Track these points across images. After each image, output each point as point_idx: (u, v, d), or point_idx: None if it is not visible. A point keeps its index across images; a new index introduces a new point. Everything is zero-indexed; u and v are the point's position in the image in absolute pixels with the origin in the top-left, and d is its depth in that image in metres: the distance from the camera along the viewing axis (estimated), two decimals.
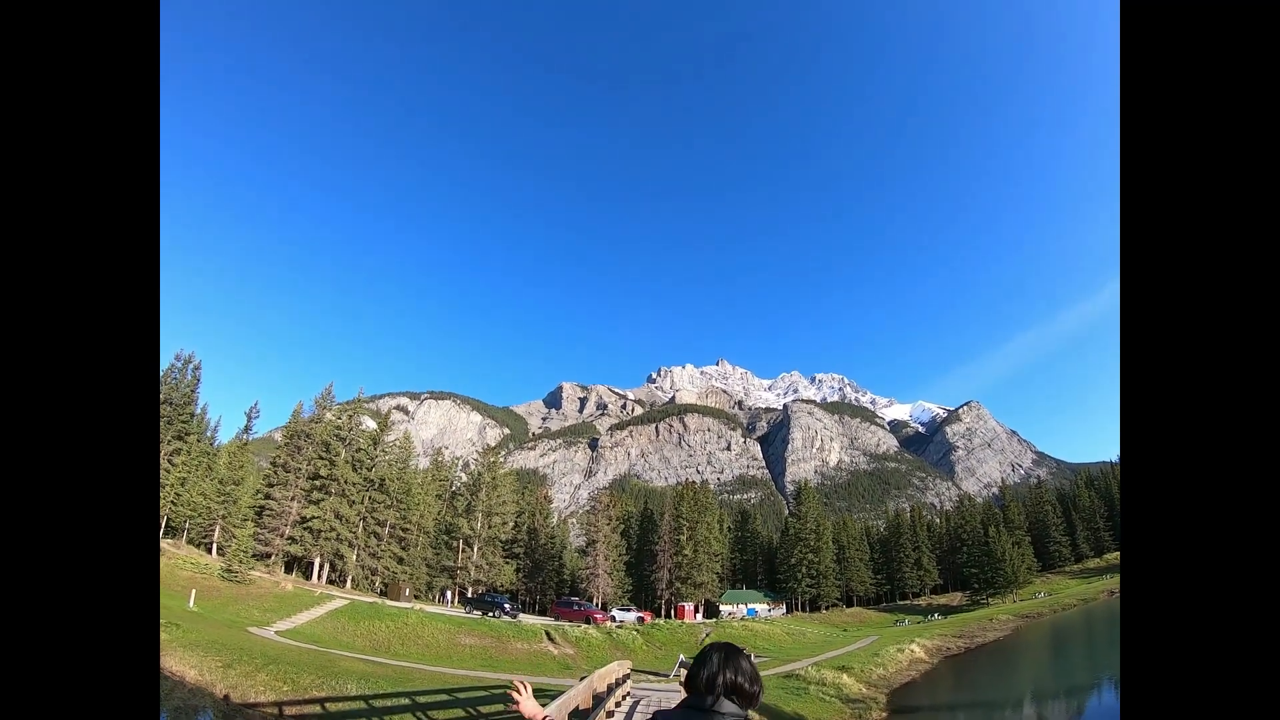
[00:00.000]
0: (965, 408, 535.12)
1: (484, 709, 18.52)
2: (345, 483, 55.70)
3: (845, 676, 29.12)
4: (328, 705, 18.96)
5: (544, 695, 20.88)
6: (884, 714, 23.32)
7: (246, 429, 69.33)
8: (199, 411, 69.79)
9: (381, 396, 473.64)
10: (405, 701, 19.05)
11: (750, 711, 2.47)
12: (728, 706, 2.37)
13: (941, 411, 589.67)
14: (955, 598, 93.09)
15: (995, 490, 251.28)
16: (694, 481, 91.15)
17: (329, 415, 61.29)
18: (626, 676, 17.45)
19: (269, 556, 53.35)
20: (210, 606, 32.77)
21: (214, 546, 55.85)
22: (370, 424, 66.56)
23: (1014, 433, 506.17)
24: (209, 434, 71.67)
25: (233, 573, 40.54)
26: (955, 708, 25.84)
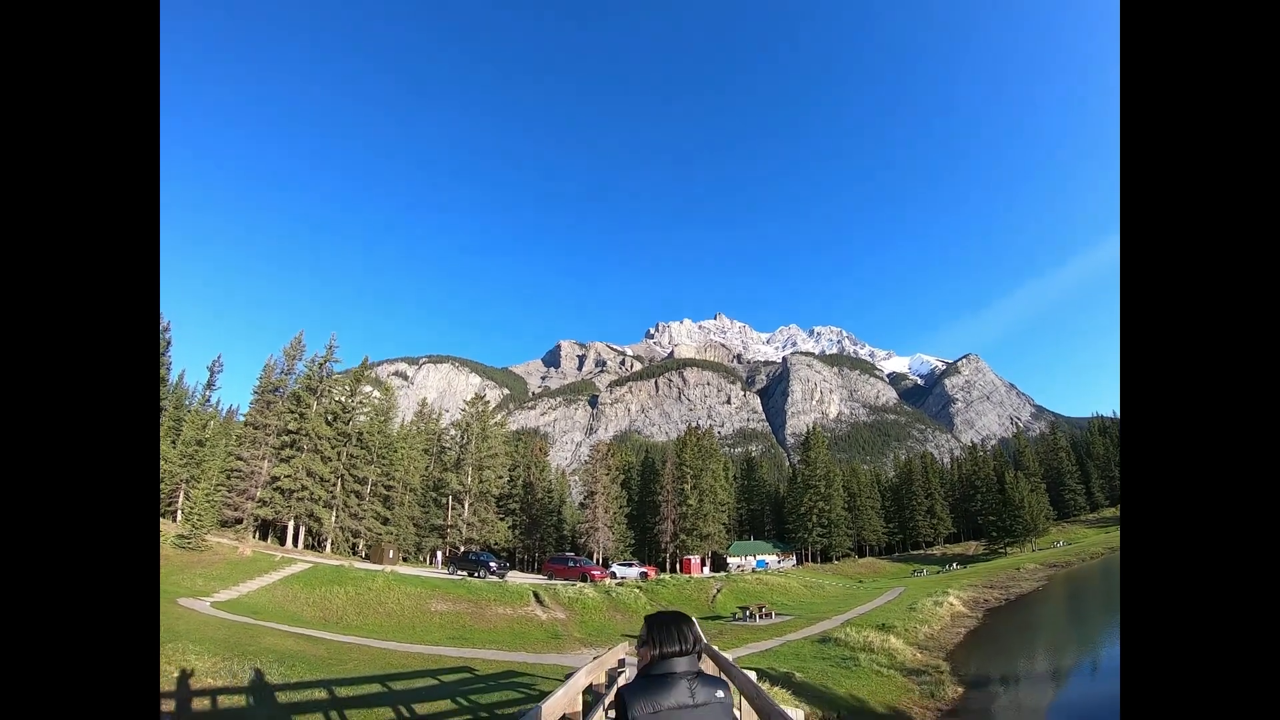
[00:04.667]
0: (964, 360, 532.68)
1: (421, 708, 13.33)
2: (317, 437, 50.37)
3: (892, 639, 24.17)
4: (219, 698, 13.82)
5: (515, 686, 15.80)
6: (957, 690, 18.28)
7: (210, 385, 64.20)
8: (175, 379, 67.28)
9: (380, 363, 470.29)
10: (320, 695, 13.88)
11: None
12: (681, 665, 2.67)
13: (940, 364, 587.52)
14: (970, 546, 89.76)
15: (994, 443, 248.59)
16: (696, 426, 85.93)
17: (299, 366, 55.53)
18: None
19: (239, 521, 48.62)
20: None
21: (178, 514, 50.91)
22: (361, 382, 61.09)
23: (1013, 386, 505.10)
24: (187, 401, 66.90)
25: (185, 539, 35.61)
26: (1038, 678, 20.68)
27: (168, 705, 13.28)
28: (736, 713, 7.57)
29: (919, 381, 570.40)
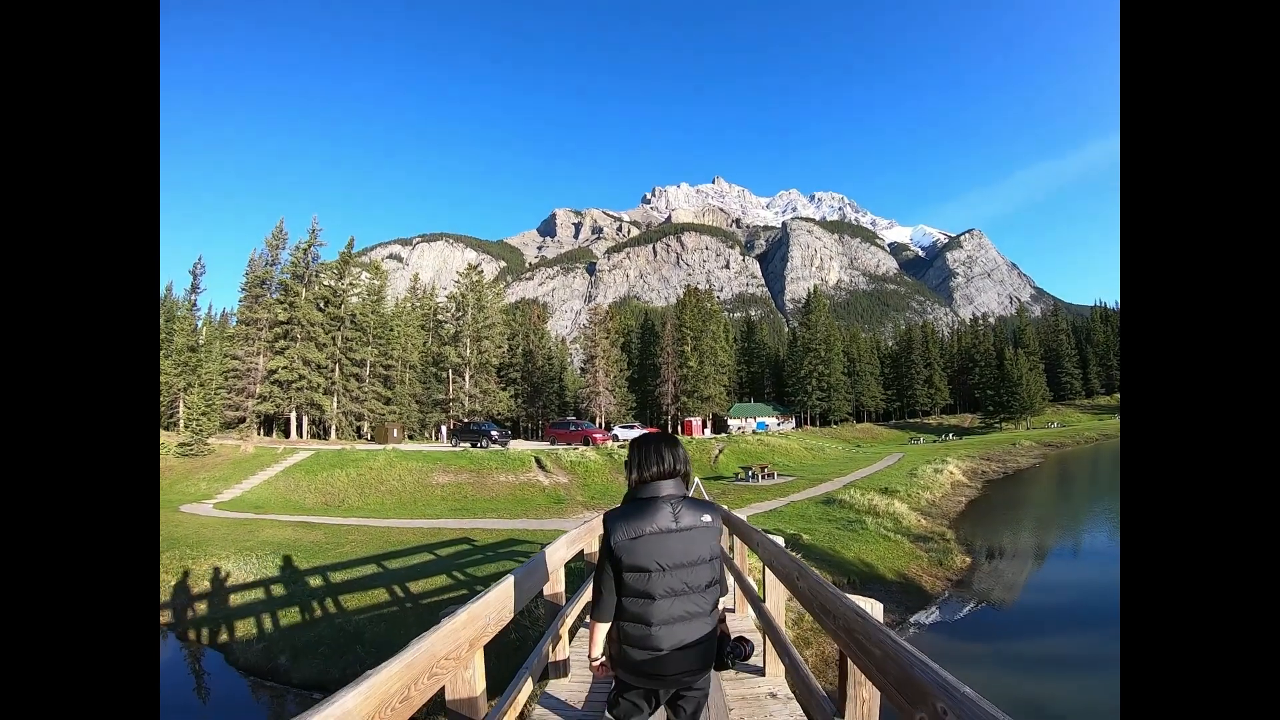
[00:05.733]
0: (967, 235, 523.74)
1: (415, 586, 12.90)
2: (309, 324, 49.08)
3: (897, 503, 24.06)
4: (232, 598, 13.50)
5: (513, 555, 15.47)
6: (965, 560, 18.04)
7: (194, 288, 61.77)
8: (163, 291, 66.37)
9: (373, 247, 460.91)
10: (315, 582, 13.53)
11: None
12: (678, 489, 2.56)
13: (943, 237, 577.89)
14: (966, 419, 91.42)
15: (993, 320, 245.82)
16: (696, 286, 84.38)
17: (284, 255, 53.19)
18: None
19: (242, 420, 48.84)
20: None
21: (180, 424, 50.27)
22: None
23: (1014, 265, 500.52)
24: (181, 314, 64.72)
25: (187, 446, 35.24)
26: (1048, 554, 20.34)
27: (165, 616, 12.92)
28: (755, 585, 6.58)
29: (920, 253, 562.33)
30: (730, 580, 7.52)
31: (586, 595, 6.16)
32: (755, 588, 6.39)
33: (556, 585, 5.07)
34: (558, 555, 5.07)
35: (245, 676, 10.80)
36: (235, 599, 13.50)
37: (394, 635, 10.73)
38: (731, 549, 8.37)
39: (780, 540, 4.96)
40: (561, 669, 4.91)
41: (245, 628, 12.18)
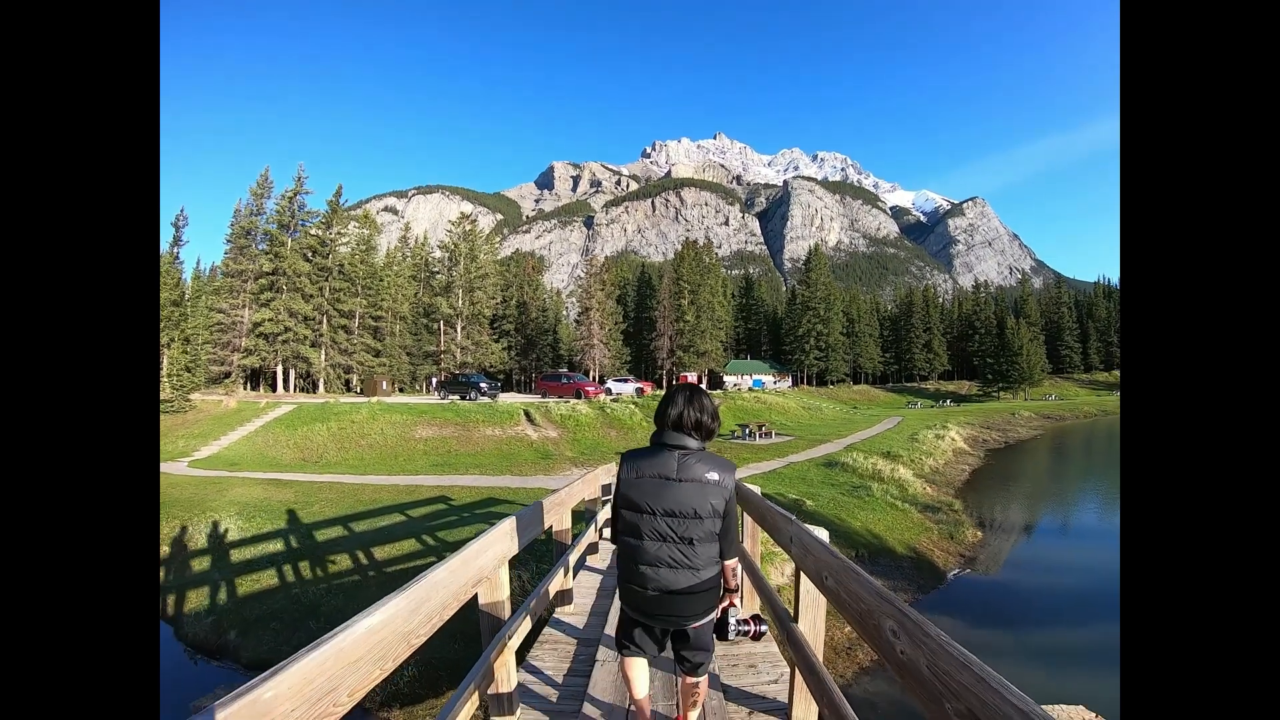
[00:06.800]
0: (970, 202, 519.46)
1: (381, 551, 11.70)
2: (295, 275, 47.30)
3: (901, 469, 22.94)
4: (191, 564, 12.39)
5: (491, 518, 14.37)
6: (976, 533, 16.98)
7: (176, 241, 59.28)
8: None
9: (368, 200, 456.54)
10: (275, 547, 12.36)
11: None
12: (690, 441, 2.51)
13: (945, 203, 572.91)
14: (964, 386, 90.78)
15: (994, 289, 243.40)
16: (695, 240, 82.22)
17: (270, 205, 50.77)
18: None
19: (228, 375, 47.67)
20: None
21: (162, 380, 49.26)
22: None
23: (1016, 236, 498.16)
24: (163, 268, 61.89)
25: (168, 402, 33.98)
26: (1063, 531, 19.28)
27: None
28: (760, 563, 5.24)
29: (922, 219, 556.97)
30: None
31: (554, 585, 4.87)
32: (762, 569, 5.09)
33: (494, 592, 3.43)
34: (493, 552, 3.33)
35: (194, 655, 9.76)
36: (191, 565, 12.41)
37: (351, 609, 9.45)
38: (741, 522, 7.08)
39: (824, 535, 3.44)
40: (504, 705, 3.53)
41: (196, 598, 11.14)
